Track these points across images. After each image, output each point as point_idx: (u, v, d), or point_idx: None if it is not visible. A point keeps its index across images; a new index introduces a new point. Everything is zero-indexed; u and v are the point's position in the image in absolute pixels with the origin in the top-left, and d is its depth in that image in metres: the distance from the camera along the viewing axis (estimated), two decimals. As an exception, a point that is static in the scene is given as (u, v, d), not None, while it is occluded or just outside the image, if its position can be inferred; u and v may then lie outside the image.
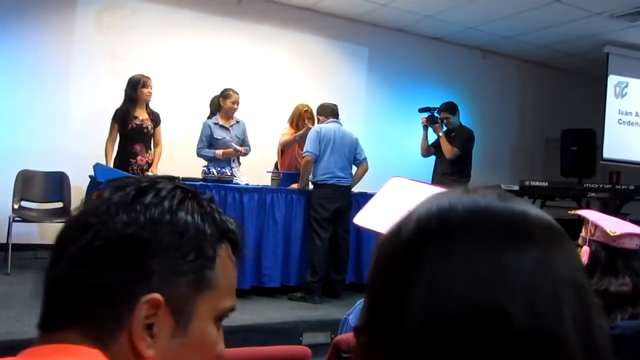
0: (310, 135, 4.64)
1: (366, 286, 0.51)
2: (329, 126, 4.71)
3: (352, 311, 1.63)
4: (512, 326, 0.42)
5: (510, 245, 0.45)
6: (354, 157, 4.81)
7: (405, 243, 0.47)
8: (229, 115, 4.92)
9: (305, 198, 4.65)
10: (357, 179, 4.87)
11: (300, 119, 5.04)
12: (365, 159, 4.92)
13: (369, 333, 0.48)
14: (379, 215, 1.31)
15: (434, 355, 0.43)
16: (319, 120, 4.89)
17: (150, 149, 4.79)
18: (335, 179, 4.56)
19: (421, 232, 0.47)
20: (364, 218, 1.36)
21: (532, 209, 0.48)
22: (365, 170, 4.94)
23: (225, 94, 4.88)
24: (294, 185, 4.77)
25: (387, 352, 0.46)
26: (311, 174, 4.68)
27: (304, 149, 4.64)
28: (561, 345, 0.42)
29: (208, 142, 4.86)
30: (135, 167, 4.62)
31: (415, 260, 0.46)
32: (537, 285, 0.43)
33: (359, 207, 4.72)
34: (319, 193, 4.57)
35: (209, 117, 5.04)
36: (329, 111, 4.85)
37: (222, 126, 4.88)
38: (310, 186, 4.75)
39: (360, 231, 4.63)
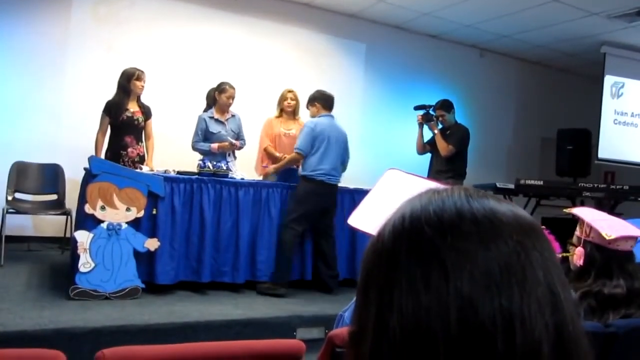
0: (304, 130, 4.54)
1: (356, 294, 0.53)
2: (324, 122, 4.56)
3: (347, 308, 1.63)
4: (479, 314, 0.44)
5: (477, 238, 0.47)
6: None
7: (384, 248, 0.50)
8: (224, 110, 4.91)
9: (293, 192, 4.59)
10: None
11: (282, 98, 5.08)
12: (348, 159, 4.77)
13: (358, 338, 0.50)
14: (373, 216, 1.30)
15: (414, 354, 0.45)
16: (313, 105, 4.68)
17: (141, 141, 4.78)
18: (327, 176, 4.47)
19: (396, 235, 0.49)
20: (357, 219, 1.35)
21: (502, 205, 0.50)
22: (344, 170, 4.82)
23: (221, 88, 4.86)
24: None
25: (373, 356, 0.47)
26: (300, 167, 4.58)
27: (296, 145, 4.54)
28: (528, 326, 0.44)
29: (203, 135, 4.84)
30: (127, 159, 4.61)
31: (393, 263, 0.48)
32: (502, 273, 0.45)
33: (343, 205, 4.72)
34: (306, 187, 4.46)
35: (205, 110, 5.03)
36: (330, 102, 4.66)
37: (217, 120, 4.87)
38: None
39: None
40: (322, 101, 4.65)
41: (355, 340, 0.51)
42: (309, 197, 4.42)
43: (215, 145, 4.77)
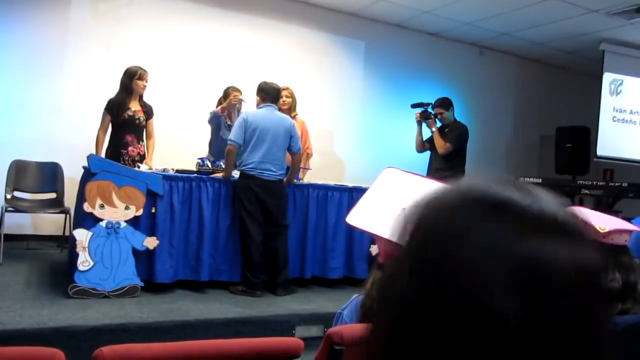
0: (236, 122, 4.38)
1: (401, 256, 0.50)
2: (258, 113, 4.34)
3: (346, 306, 1.63)
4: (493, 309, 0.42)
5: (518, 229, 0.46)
6: (288, 147, 4.41)
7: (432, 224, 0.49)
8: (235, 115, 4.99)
9: (291, 191, 4.57)
10: (291, 172, 4.50)
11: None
12: (299, 150, 4.48)
13: (382, 304, 0.50)
14: (371, 215, 1.29)
15: (440, 328, 0.44)
16: (257, 96, 4.48)
17: (142, 141, 4.78)
18: (258, 170, 4.23)
19: (450, 211, 0.49)
20: (356, 217, 1.35)
21: (550, 202, 0.50)
22: (299, 163, 4.60)
23: (225, 93, 5.01)
24: (219, 174, 4.40)
25: (395, 325, 0.46)
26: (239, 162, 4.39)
27: (228, 137, 4.39)
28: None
29: (215, 126, 4.95)
30: (127, 158, 4.61)
31: (440, 240, 0.47)
32: (539, 270, 0.45)
33: (342, 203, 4.71)
34: (242, 183, 4.28)
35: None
36: (271, 95, 4.42)
37: (229, 126, 4.88)
38: (236, 174, 4.43)
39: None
40: (263, 94, 4.43)
41: (379, 305, 0.50)
42: (245, 192, 4.23)
43: (218, 109, 4.86)
